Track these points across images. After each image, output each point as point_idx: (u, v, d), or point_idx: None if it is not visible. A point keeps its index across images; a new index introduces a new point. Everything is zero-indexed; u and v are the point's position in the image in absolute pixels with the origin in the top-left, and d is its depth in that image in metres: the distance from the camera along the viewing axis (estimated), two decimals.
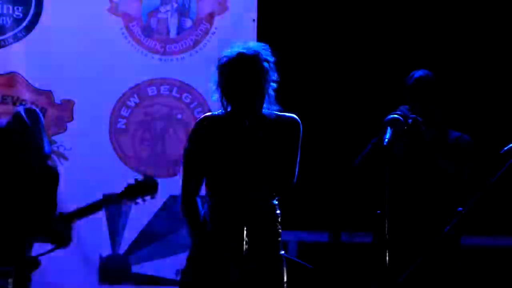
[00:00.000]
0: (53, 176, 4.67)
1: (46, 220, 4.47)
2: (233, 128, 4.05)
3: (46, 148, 4.57)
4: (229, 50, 4.09)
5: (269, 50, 4.13)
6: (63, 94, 6.05)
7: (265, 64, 4.07)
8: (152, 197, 4.55)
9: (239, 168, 3.98)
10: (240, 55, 4.04)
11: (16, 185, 4.49)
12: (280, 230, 4.14)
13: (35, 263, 4.56)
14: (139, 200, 4.55)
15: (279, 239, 4.12)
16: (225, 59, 4.07)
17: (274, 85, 4.11)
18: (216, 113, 4.17)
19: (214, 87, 4.10)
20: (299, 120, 4.13)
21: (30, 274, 4.62)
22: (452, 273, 4.86)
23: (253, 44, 4.14)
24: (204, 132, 4.10)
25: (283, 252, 4.14)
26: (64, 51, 6.03)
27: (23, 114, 4.50)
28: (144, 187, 4.51)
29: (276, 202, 4.12)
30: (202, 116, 4.21)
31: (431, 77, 4.94)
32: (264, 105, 4.10)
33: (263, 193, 4.04)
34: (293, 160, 4.10)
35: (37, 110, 4.60)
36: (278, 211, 4.13)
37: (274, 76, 4.11)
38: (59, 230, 4.50)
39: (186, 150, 4.16)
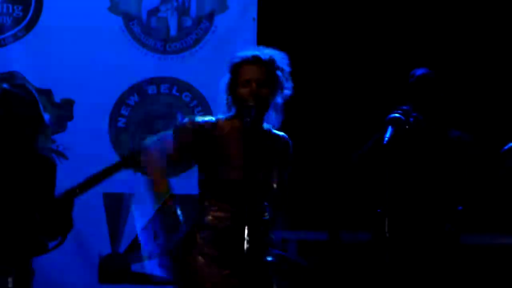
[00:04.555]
0: (51, 164, 4.71)
1: (45, 210, 4.51)
2: (235, 130, 4.04)
3: (46, 118, 4.65)
4: (244, 52, 4.06)
5: (287, 60, 4.10)
6: (63, 93, 6.05)
7: (278, 72, 4.05)
8: None
9: (240, 170, 3.96)
10: (254, 57, 4.03)
11: (18, 167, 4.55)
12: (272, 236, 4.14)
13: (42, 248, 4.59)
14: (138, 168, 4.62)
15: (271, 243, 4.13)
16: (237, 59, 4.05)
17: (286, 93, 4.09)
18: (207, 118, 4.15)
19: (223, 87, 4.10)
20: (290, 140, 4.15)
21: (34, 268, 4.65)
22: (452, 271, 4.86)
23: (271, 51, 4.11)
24: (198, 132, 4.07)
25: (270, 258, 4.14)
26: (64, 50, 6.03)
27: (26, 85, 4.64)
28: (140, 155, 4.59)
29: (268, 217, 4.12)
30: (191, 119, 4.15)
31: (432, 76, 4.95)
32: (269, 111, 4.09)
33: (260, 200, 4.04)
34: (285, 176, 4.10)
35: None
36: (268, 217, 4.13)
37: (288, 86, 4.09)
38: (60, 217, 4.55)
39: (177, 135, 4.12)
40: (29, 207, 4.50)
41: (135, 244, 6.05)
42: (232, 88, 4.03)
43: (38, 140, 4.71)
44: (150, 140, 4.19)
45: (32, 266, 4.64)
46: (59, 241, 4.64)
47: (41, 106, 4.68)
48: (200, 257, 4.00)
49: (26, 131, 4.56)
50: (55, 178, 4.73)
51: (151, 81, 6.13)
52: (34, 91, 4.72)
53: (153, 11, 6.16)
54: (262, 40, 6.00)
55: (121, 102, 6.11)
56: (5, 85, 4.75)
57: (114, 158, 5.96)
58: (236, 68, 4.03)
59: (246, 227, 3.78)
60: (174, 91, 6.14)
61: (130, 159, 4.58)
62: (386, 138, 4.32)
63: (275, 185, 4.03)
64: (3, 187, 4.54)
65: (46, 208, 4.50)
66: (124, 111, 6.12)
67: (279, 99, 4.06)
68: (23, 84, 4.87)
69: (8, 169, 4.57)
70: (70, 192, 4.54)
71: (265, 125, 4.10)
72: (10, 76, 5.97)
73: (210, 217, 4.04)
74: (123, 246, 6.05)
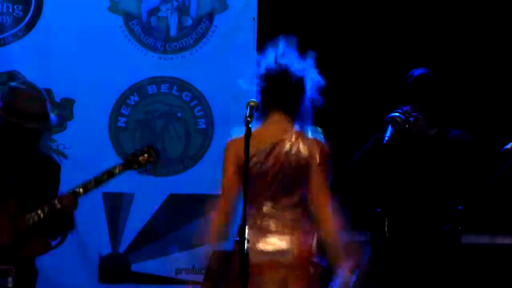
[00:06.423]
0: (56, 165, 4.73)
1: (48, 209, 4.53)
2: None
3: (52, 118, 4.68)
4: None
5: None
6: (63, 92, 6.04)
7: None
8: (154, 164, 4.64)
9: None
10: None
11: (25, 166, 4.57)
12: None
13: (47, 245, 4.60)
14: (142, 169, 4.65)
15: None
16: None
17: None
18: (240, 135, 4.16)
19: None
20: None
21: (37, 268, 4.66)
22: (452, 271, 4.86)
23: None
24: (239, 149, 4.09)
25: None
26: (64, 50, 6.03)
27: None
28: (143, 156, 4.61)
29: None
30: (231, 139, 4.20)
31: (431, 76, 4.95)
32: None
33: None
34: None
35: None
36: None
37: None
38: (62, 216, 4.56)
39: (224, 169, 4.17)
40: (33, 206, 4.51)
41: (135, 244, 6.05)
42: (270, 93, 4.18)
43: (41, 139, 4.74)
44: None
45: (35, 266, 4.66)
46: (59, 240, 4.66)
47: (48, 105, 4.69)
48: None
49: (33, 128, 4.57)
50: (59, 178, 4.75)
51: (151, 80, 6.13)
52: (43, 90, 4.74)
53: (153, 11, 6.16)
54: (262, 39, 5.98)
55: (121, 101, 6.11)
56: (13, 84, 4.77)
57: (114, 158, 5.96)
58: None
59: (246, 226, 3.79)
60: (174, 91, 6.14)
61: (134, 161, 4.59)
62: (386, 138, 4.33)
63: None
64: (8, 186, 4.55)
65: (49, 207, 4.51)
66: (124, 111, 6.11)
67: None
68: (32, 82, 4.89)
69: (13, 167, 4.58)
70: (73, 192, 4.55)
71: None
72: (10, 76, 5.97)
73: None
74: (123, 245, 6.05)
